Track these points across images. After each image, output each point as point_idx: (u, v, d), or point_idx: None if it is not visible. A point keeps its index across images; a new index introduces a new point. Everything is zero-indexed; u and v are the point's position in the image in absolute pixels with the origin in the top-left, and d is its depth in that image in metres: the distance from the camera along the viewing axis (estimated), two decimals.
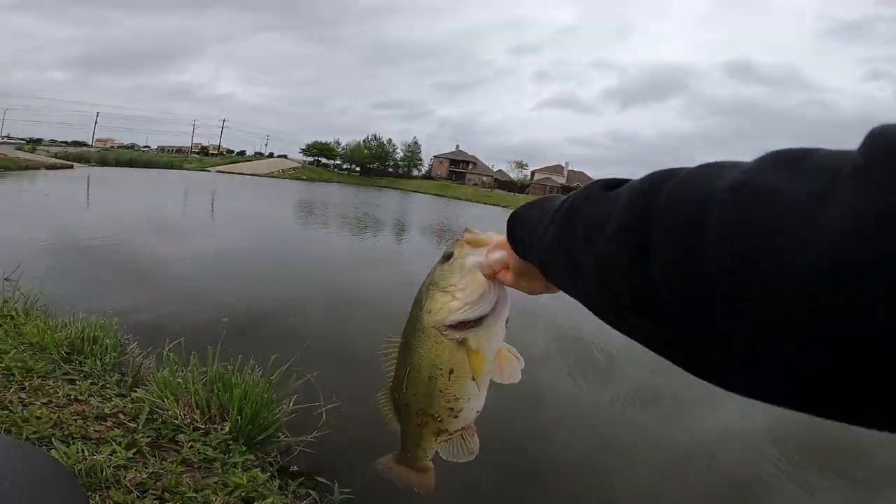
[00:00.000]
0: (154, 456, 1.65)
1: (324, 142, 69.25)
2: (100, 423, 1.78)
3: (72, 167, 27.63)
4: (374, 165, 68.61)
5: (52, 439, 1.57)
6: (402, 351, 0.62)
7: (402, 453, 0.68)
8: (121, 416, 1.88)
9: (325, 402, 2.28)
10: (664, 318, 0.27)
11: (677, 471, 2.74)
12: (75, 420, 1.74)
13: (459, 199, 47.27)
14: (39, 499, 0.55)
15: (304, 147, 69.22)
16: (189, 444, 1.80)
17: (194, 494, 1.49)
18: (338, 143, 69.74)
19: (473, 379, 0.58)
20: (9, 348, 2.22)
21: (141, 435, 1.75)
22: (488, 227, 0.62)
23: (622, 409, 3.43)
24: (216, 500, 1.50)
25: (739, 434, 3.25)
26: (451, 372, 0.57)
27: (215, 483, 1.60)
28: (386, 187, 54.43)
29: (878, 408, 0.20)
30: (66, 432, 1.65)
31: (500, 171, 71.85)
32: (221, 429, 1.94)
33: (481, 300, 0.55)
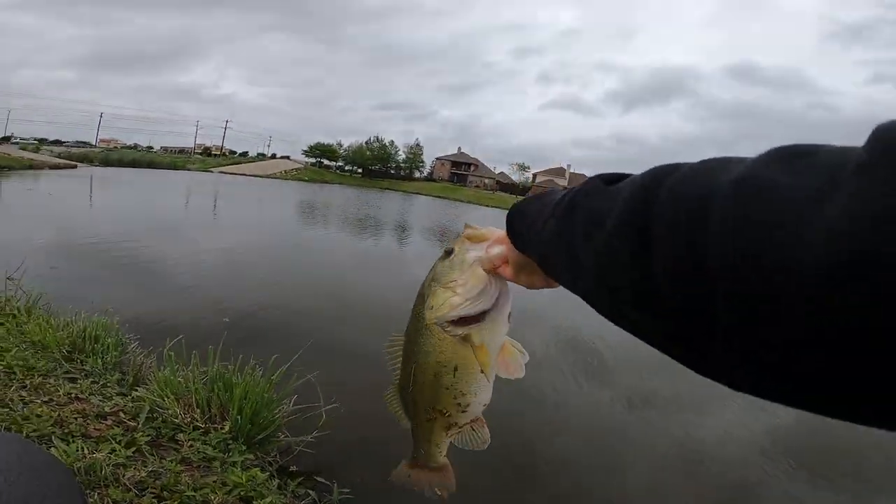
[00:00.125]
0: (153, 455, 1.65)
1: (326, 143, 69.52)
2: (100, 422, 1.78)
3: (75, 167, 27.79)
4: (376, 167, 68.71)
5: (52, 437, 1.57)
6: (406, 348, 0.62)
7: (416, 452, 0.68)
8: (121, 414, 1.88)
9: (325, 403, 2.28)
10: (665, 313, 0.27)
11: (677, 471, 2.73)
12: (75, 418, 1.74)
13: (461, 201, 47.35)
14: (35, 494, 0.55)
15: (306, 148, 69.54)
16: (189, 443, 1.80)
17: (193, 493, 1.49)
18: (340, 145, 69.98)
19: (479, 374, 0.58)
20: (10, 346, 2.23)
21: (141, 434, 1.75)
22: (489, 226, 0.61)
23: (622, 409, 3.42)
24: (215, 498, 1.50)
25: (739, 435, 3.23)
26: (455, 368, 0.57)
27: (214, 482, 1.59)
28: (388, 189, 54.52)
29: (874, 405, 0.19)
30: (66, 430, 1.65)
31: (501, 173, 71.97)
32: (221, 428, 1.94)
33: (482, 295, 0.55)
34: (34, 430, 1.59)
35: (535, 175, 66.36)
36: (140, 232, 8.07)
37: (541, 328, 4.97)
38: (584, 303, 0.37)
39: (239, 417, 1.97)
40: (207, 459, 1.75)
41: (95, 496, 1.34)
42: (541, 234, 0.41)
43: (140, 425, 1.82)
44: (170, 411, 1.94)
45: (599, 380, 3.91)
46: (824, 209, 0.20)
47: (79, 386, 2.03)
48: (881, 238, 0.17)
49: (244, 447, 1.90)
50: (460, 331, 0.56)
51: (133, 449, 1.63)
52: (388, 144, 69.96)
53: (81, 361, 2.33)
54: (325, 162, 69.24)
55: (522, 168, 71.25)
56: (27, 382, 1.93)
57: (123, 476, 1.46)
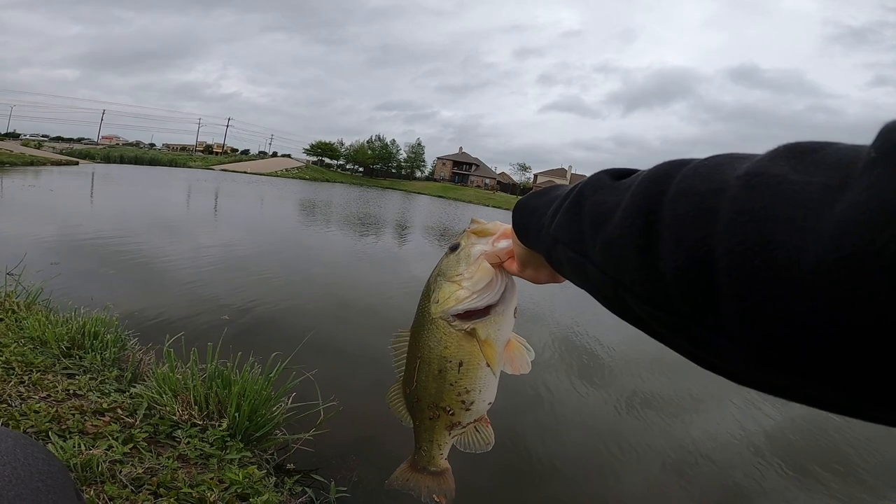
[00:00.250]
0: (150, 451, 1.65)
1: (327, 142, 69.54)
2: (98, 418, 1.78)
3: (77, 164, 27.81)
4: (378, 166, 68.76)
5: (49, 433, 1.56)
6: (411, 344, 0.61)
7: (416, 454, 0.66)
8: (119, 411, 1.87)
9: (323, 401, 2.27)
10: (672, 308, 0.26)
11: (677, 471, 2.73)
12: (73, 415, 1.73)
13: (462, 200, 47.40)
14: (30, 490, 0.54)
15: (307, 147, 69.60)
16: (186, 440, 1.79)
17: (189, 490, 1.49)
18: (341, 144, 70.01)
19: (484, 370, 0.58)
20: (9, 342, 2.22)
21: (138, 430, 1.75)
22: (495, 220, 0.61)
23: (620, 409, 3.41)
24: (211, 495, 1.49)
25: (739, 436, 3.23)
26: (460, 364, 0.57)
27: (211, 479, 1.59)
28: (389, 188, 54.56)
29: (883, 401, 0.19)
30: (63, 427, 1.64)
31: (502, 173, 72.11)
32: (219, 425, 1.93)
33: (488, 289, 0.54)
34: (31, 426, 1.58)
35: (536, 176, 66.45)
36: (141, 228, 8.08)
37: (540, 327, 4.96)
38: (584, 303, 0.36)
39: (237, 415, 1.96)
40: (205, 456, 1.74)
41: (91, 492, 1.34)
42: (547, 229, 0.41)
43: (138, 422, 1.82)
44: (168, 408, 1.94)
45: (597, 381, 3.90)
46: (834, 204, 0.20)
47: (77, 382, 2.02)
48: (894, 231, 0.17)
49: (241, 444, 1.89)
50: (466, 325, 0.55)
51: (130, 445, 1.63)
52: (389, 143, 70.11)
53: (80, 357, 2.33)
54: (327, 160, 69.30)
55: (523, 168, 71.40)
56: (25, 378, 1.93)
57: (120, 472, 1.46)
